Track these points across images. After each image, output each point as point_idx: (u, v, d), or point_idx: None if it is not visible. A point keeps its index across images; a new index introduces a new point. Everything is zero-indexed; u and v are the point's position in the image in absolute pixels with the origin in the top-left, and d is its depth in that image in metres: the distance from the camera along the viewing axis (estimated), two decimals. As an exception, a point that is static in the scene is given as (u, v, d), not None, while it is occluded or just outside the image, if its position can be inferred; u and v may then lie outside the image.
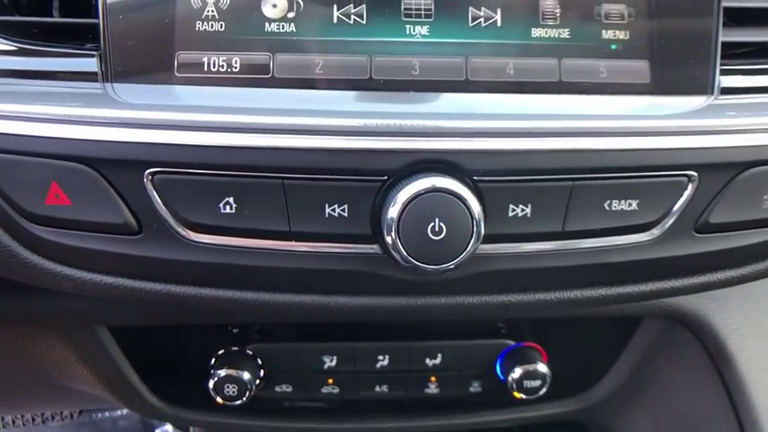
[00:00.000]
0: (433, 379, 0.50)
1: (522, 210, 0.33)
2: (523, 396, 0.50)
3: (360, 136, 0.32)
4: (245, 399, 0.48)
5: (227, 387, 0.48)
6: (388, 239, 0.32)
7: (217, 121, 0.32)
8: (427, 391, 0.51)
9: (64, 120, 0.32)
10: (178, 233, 0.33)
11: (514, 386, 0.50)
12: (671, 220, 0.35)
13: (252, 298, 0.36)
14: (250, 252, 0.34)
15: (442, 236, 0.31)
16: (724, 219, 0.36)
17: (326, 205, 0.33)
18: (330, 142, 0.32)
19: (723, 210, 0.36)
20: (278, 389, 0.50)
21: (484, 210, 0.33)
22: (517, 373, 0.50)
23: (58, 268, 0.35)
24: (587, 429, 0.58)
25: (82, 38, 0.40)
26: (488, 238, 0.33)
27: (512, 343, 0.51)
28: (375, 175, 0.33)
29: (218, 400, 0.48)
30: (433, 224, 0.31)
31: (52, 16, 0.40)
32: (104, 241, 0.34)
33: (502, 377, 0.51)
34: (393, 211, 0.32)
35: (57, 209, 0.33)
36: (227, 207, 0.33)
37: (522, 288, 0.38)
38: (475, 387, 0.51)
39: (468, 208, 0.32)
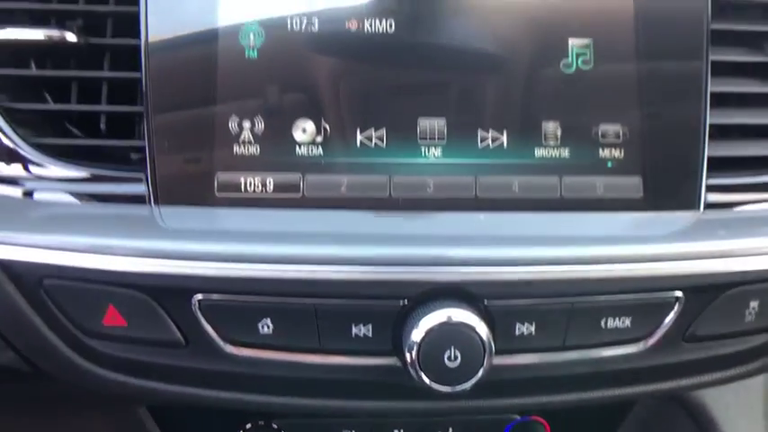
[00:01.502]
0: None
1: (528, 328, 0.37)
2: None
3: (382, 266, 0.36)
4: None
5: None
6: (408, 358, 0.36)
7: (255, 254, 0.36)
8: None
9: (120, 252, 0.36)
10: (221, 348, 0.37)
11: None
12: (660, 333, 0.39)
13: (282, 402, 0.41)
14: (283, 364, 0.38)
15: (456, 362, 0.35)
16: (709, 331, 0.40)
17: (353, 325, 0.37)
18: (356, 273, 0.36)
19: (708, 323, 0.39)
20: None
21: (493, 329, 0.37)
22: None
23: (111, 375, 0.39)
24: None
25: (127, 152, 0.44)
26: (497, 352, 0.37)
27: (518, 417, 0.54)
28: (396, 299, 0.37)
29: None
30: (449, 352, 0.35)
31: (100, 130, 0.45)
32: (154, 354, 0.38)
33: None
34: (414, 336, 0.35)
35: (113, 328, 0.37)
36: (265, 327, 0.37)
37: (527, 392, 0.42)
38: (483, 457, 0.56)
39: (481, 337, 0.35)
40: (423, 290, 0.36)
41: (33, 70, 0.43)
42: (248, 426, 0.53)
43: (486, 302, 0.37)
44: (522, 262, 0.37)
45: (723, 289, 0.39)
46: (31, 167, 0.42)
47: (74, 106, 0.42)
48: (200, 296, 0.37)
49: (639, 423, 0.54)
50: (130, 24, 0.43)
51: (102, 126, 0.45)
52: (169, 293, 0.37)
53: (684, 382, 0.43)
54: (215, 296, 0.37)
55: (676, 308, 0.39)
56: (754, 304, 0.40)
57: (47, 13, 0.43)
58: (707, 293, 0.39)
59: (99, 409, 0.52)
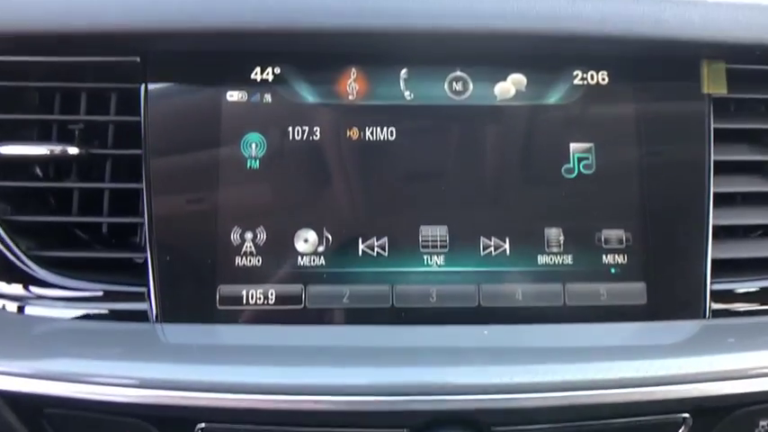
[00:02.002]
0: None
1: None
2: None
3: (383, 396, 0.36)
4: None
5: None
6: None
7: (256, 384, 0.36)
8: None
9: (122, 381, 0.35)
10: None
11: None
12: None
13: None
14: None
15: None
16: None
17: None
18: (356, 404, 0.35)
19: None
20: None
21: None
22: None
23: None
24: None
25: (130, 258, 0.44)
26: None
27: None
28: (398, 428, 0.36)
29: None
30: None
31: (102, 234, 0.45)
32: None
33: None
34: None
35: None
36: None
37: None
38: None
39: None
40: (426, 419, 0.36)
41: (35, 183, 0.43)
42: None
43: (492, 430, 0.37)
44: (529, 388, 0.36)
45: (731, 409, 0.39)
46: (32, 282, 0.42)
47: (75, 218, 0.42)
48: (202, 425, 0.36)
49: None
50: (132, 133, 0.44)
51: (105, 231, 0.45)
52: (172, 423, 0.36)
53: None
54: (217, 425, 0.36)
55: (683, 429, 0.38)
56: (764, 423, 0.39)
57: (49, 122, 0.44)
58: (714, 414, 0.39)
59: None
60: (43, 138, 0.45)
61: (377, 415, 0.36)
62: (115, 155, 0.44)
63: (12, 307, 0.42)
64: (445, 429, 0.36)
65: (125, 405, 0.36)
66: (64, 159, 0.43)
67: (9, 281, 0.41)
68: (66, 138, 0.45)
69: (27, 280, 0.42)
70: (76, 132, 0.46)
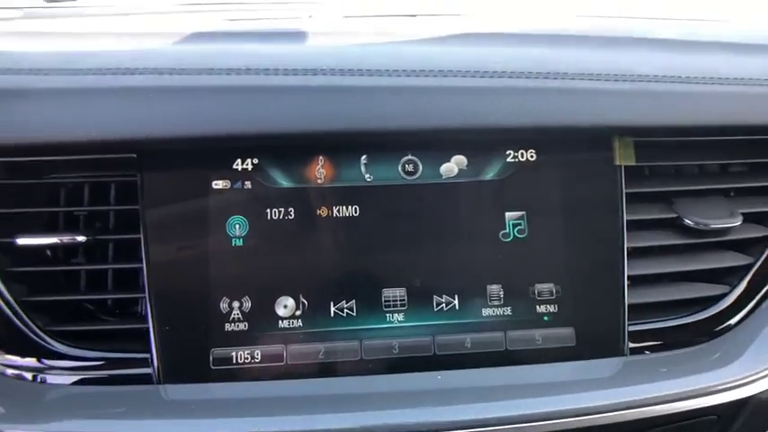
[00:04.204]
0: None
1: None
2: None
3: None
4: None
5: None
6: None
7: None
8: None
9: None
10: None
11: None
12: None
13: None
14: None
15: None
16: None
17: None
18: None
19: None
20: None
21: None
22: None
23: None
24: None
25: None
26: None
27: None
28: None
29: None
30: None
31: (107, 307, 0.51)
32: None
33: None
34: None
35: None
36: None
37: None
38: None
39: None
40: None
41: (49, 267, 0.50)
42: None
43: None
44: (475, 424, 0.43)
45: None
46: (47, 354, 0.48)
47: (84, 296, 0.49)
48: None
49: None
50: (131, 217, 0.50)
51: (109, 303, 0.52)
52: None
53: None
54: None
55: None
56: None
57: (56, 214, 0.51)
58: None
59: None
60: (51, 224, 0.52)
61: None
62: (117, 239, 0.51)
63: (29, 376, 0.48)
64: None
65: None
66: (72, 245, 0.50)
67: (26, 354, 0.48)
68: (71, 222, 0.52)
69: (43, 353, 0.48)
70: (81, 218, 0.53)
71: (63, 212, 0.50)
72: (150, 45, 0.55)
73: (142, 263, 0.48)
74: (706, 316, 0.53)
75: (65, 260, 0.52)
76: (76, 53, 0.52)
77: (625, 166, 0.53)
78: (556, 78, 0.52)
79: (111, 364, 0.48)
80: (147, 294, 0.48)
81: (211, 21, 0.71)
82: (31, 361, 0.48)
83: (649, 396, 0.45)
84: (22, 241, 0.49)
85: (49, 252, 0.51)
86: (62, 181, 0.50)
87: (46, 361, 0.48)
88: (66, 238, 0.49)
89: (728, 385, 0.47)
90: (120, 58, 0.51)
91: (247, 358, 0.48)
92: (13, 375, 0.48)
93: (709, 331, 0.52)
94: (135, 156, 0.50)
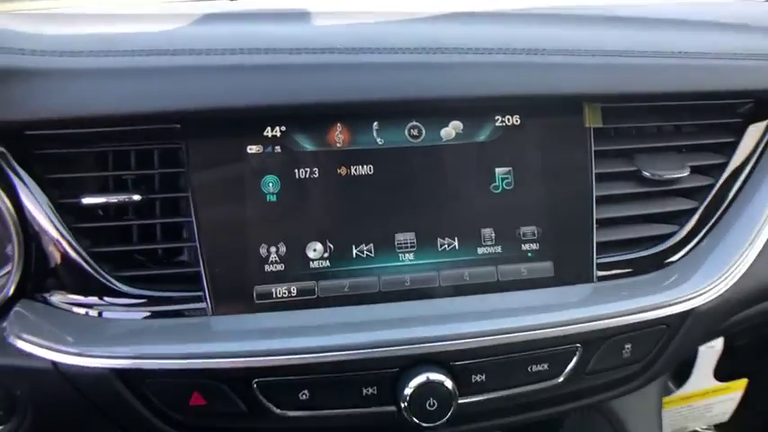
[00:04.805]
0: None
1: (480, 377, 0.55)
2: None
3: (380, 348, 0.53)
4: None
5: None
6: (402, 406, 0.53)
7: (292, 348, 0.52)
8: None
9: (202, 356, 0.51)
10: (272, 412, 0.54)
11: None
12: (568, 371, 0.57)
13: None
14: (316, 418, 0.54)
15: (434, 407, 0.53)
16: (600, 366, 0.58)
17: (362, 388, 0.54)
18: (362, 354, 0.52)
19: (599, 361, 0.58)
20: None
21: (457, 382, 0.54)
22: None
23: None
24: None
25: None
26: (460, 396, 0.54)
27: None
28: (391, 368, 0.54)
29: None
30: (429, 401, 0.53)
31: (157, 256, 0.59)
32: (225, 421, 0.55)
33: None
34: (405, 392, 0.53)
35: (197, 407, 0.53)
36: (304, 395, 0.53)
37: (484, 420, 0.60)
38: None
39: (448, 389, 0.53)
40: (408, 362, 0.54)
41: (113, 222, 0.58)
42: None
43: (451, 364, 0.54)
44: (473, 335, 0.54)
45: (606, 339, 0.58)
46: (111, 294, 0.57)
47: (146, 246, 0.57)
48: (257, 380, 0.53)
49: (571, 428, 0.72)
50: (173, 180, 0.59)
51: (159, 253, 0.60)
52: (237, 381, 0.53)
53: (588, 400, 0.62)
54: (268, 379, 0.53)
55: (577, 355, 0.57)
56: (628, 346, 0.59)
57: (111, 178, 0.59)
58: (596, 343, 0.58)
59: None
60: (107, 186, 0.60)
61: (376, 361, 0.53)
62: (167, 197, 0.58)
63: (95, 313, 0.57)
64: (421, 366, 0.53)
65: (205, 372, 0.52)
66: (127, 204, 0.58)
67: (93, 294, 0.56)
68: (122, 185, 0.60)
69: (108, 293, 0.56)
70: (129, 181, 0.60)
71: (118, 176, 0.58)
72: (184, 27, 0.63)
73: (191, 217, 0.57)
74: (659, 250, 0.64)
75: (117, 218, 0.60)
76: (123, 35, 0.60)
77: (593, 128, 0.63)
78: (536, 54, 0.62)
79: (167, 301, 0.56)
80: (198, 243, 0.56)
81: (226, 4, 0.78)
82: (97, 300, 0.56)
83: (613, 311, 0.56)
84: (86, 201, 0.57)
85: (100, 212, 0.59)
86: (117, 149, 0.58)
87: (110, 299, 0.56)
88: (123, 198, 0.57)
89: (674, 302, 0.58)
90: (160, 39, 0.59)
91: (284, 293, 0.57)
92: (81, 313, 0.57)
93: (661, 262, 0.63)
94: (179, 126, 0.58)
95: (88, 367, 0.51)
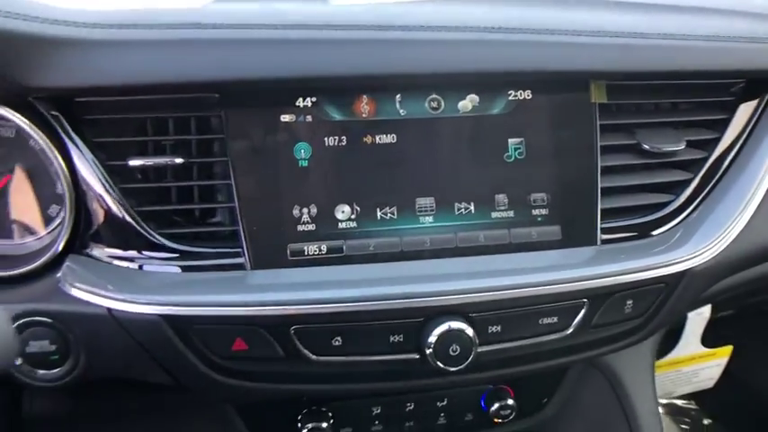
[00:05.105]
0: (442, 414, 0.77)
1: (496, 328, 0.60)
2: (499, 420, 0.78)
3: (406, 299, 0.58)
4: (324, 441, 0.74)
5: (313, 432, 0.74)
6: (427, 352, 0.58)
7: (326, 298, 0.57)
8: (438, 422, 0.78)
9: (245, 304, 0.56)
10: (307, 357, 0.59)
11: (493, 414, 0.78)
12: (575, 324, 0.63)
13: (344, 387, 0.62)
14: (347, 363, 0.60)
15: (457, 353, 0.58)
16: (605, 321, 0.64)
17: (390, 336, 0.59)
18: (390, 305, 0.58)
19: (603, 316, 0.64)
20: (343, 431, 0.76)
21: (477, 331, 0.59)
22: (494, 406, 0.78)
23: (233, 382, 0.60)
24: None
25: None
26: (480, 344, 0.59)
27: (490, 387, 0.78)
28: (417, 318, 0.59)
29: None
30: (452, 347, 0.58)
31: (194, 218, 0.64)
32: (264, 365, 0.59)
33: (485, 409, 0.78)
34: (430, 339, 0.58)
35: (239, 351, 0.57)
36: (336, 341, 0.59)
37: (499, 367, 0.65)
38: (468, 417, 0.79)
39: (470, 336, 0.58)
40: (431, 312, 0.59)
41: (158, 183, 0.62)
42: (305, 411, 0.73)
43: (470, 315, 0.60)
44: (489, 290, 0.59)
45: (610, 295, 0.63)
46: (156, 249, 0.61)
47: (196, 206, 0.62)
48: (294, 327, 0.58)
49: (572, 382, 0.79)
50: (211, 145, 0.63)
51: (196, 214, 0.64)
52: (275, 328, 0.58)
53: (593, 352, 0.68)
54: (304, 326, 0.58)
55: (584, 309, 0.63)
56: (629, 302, 0.64)
57: (155, 143, 0.63)
58: (600, 299, 0.63)
59: (200, 410, 0.71)
60: (145, 150, 0.64)
61: (402, 311, 0.58)
62: (207, 161, 0.63)
63: (137, 266, 0.61)
64: (443, 316, 0.58)
65: (247, 318, 0.57)
66: (169, 166, 0.62)
67: (139, 249, 0.61)
68: (161, 149, 0.64)
69: (154, 248, 0.61)
70: (167, 146, 0.64)
71: (160, 142, 0.62)
72: (224, 3, 0.67)
73: (230, 180, 0.61)
74: (658, 216, 0.69)
75: (158, 180, 0.64)
76: (167, 10, 0.63)
77: (598, 104, 0.68)
78: (546, 34, 0.66)
79: (207, 256, 0.61)
80: (237, 204, 0.61)
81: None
82: (142, 254, 0.61)
83: (616, 270, 0.62)
84: (132, 163, 0.61)
85: (139, 175, 0.63)
86: (160, 116, 0.62)
87: (154, 254, 0.61)
88: (166, 161, 0.61)
89: (672, 262, 0.64)
90: (202, 14, 0.62)
91: (315, 251, 0.62)
92: (126, 266, 0.61)
93: (660, 228, 0.69)
94: (217, 95, 0.62)
95: (141, 314, 0.56)
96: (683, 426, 1.26)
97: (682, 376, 1.03)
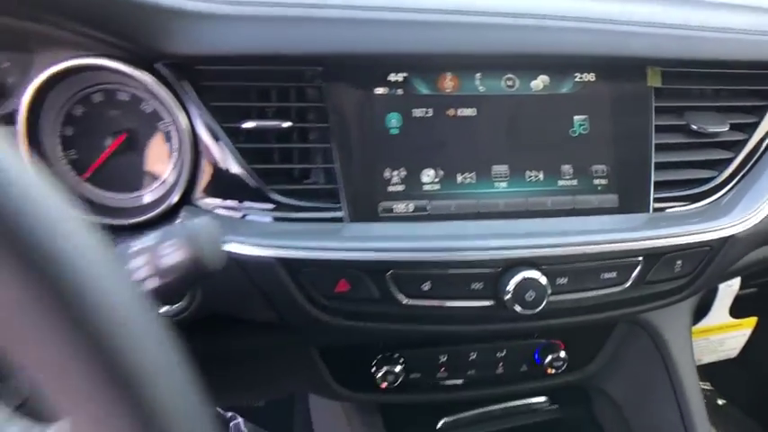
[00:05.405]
0: (500, 364, 0.85)
1: (563, 280, 0.69)
2: (552, 371, 0.87)
3: (487, 251, 0.66)
4: (395, 383, 0.82)
5: (386, 377, 0.82)
6: (505, 298, 0.66)
7: (418, 247, 0.65)
8: (497, 372, 0.86)
9: (347, 249, 0.64)
10: (400, 300, 0.67)
11: (546, 366, 0.86)
12: (632, 280, 0.71)
13: (429, 329, 0.70)
14: (434, 307, 0.68)
15: (532, 299, 0.66)
16: (657, 278, 0.73)
17: (472, 283, 0.67)
18: (474, 255, 0.66)
19: (656, 274, 0.72)
20: (412, 376, 0.84)
21: (549, 281, 0.67)
22: (547, 358, 0.87)
23: (334, 320, 0.68)
24: (587, 391, 0.93)
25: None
26: (550, 294, 0.68)
27: (543, 341, 0.86)
28: (496, 268, 0.67)
29: (381, 385, 0.82)
30: (528, 293, 0.66)
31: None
32: (361, 305, 0.67)
33: (538, 361, 0.87)
34: (508, 287, 0.66)
35: (341, 293, 0.65)
36: (426, 286, 0.67)
37: (562, 316, 0.73)
38: (523, 368, 0.87)
39: (543, 285, 0.66)
40: (508, 263, 0.67)
41: (273, 144, 0.69)
42: (380, 356, 0.82)
43: (543, 267, 0.68)
44: (559, 245, 0.68)
45: (662, 255, 0.72)
46: (271, 203, 0.69)
47: (300, 165, 0.69)
48: (390, 272, 0.66)
49: (617, 339, 0.87)
50: (310, 113, 0.71)
51: (296, 175, 0.72)
52: (374, 272, 0.66)
53: (645, 306, 0.77)
54: (399, 271, 0.66)
55: (639, 266, 0.71)
56: (679, 263, 0.73)
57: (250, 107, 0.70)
58: (654, 258, 0.71)
59: (289, 353, 0.79)
60: (254, 114, 0.71)
61: (483, 262, 0.67)
62: (310, 127, 0.70)
63: (259, 218, 0.69)
64: (519, 267, 0.67)
65: (351, 263, 0.64)
66: (276, 130, 0.70)
67: (255, 202, 0.68)
68: (265, 114, 0.71)
69: (266, 201, 0.68)
70: (274, 112, 0.72)
71: (269, 107, 0.70)
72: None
73: (330, 143, 0.69)
74: (704, 189, 0.78)
75: (266, 141, 0.71)
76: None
77: (654, 88, 0.76)
78: (607, 23, 0.74)
79: (311, 210, 0.69)
80: (336, 165, 0.68)
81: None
82: (253, 205, 0.68)
83: (668, 233, 0.70)
84: (245, 125, 0.68)
85: (250, 135, 0.70)
86: (270, 85, 0.69)
87: (264, 205, 0.68)
88: (275, 124, 0.69)
89: (717, 228, 0.72)
90: None
91: (403, 209, 0.70)
92: (239, 216, 0.69)
93: (704, 199, 0.78)
94: (321, 68, 0.69)
95: (259, 256, 0.64)
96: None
97: (709, 344, 1.12)
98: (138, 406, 0.24)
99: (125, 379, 0.24)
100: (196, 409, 0.26)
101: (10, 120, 0.70)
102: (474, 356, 0.85)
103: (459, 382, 0.88)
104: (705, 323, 1.10)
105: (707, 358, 1.16)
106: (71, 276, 0.24)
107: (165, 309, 0.69)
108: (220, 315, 0.74)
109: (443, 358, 0.85)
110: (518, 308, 0.66)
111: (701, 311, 1.12)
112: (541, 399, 0.95)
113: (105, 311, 0.24)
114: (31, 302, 0.22)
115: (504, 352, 0.86)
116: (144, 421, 0.24)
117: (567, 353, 0.87)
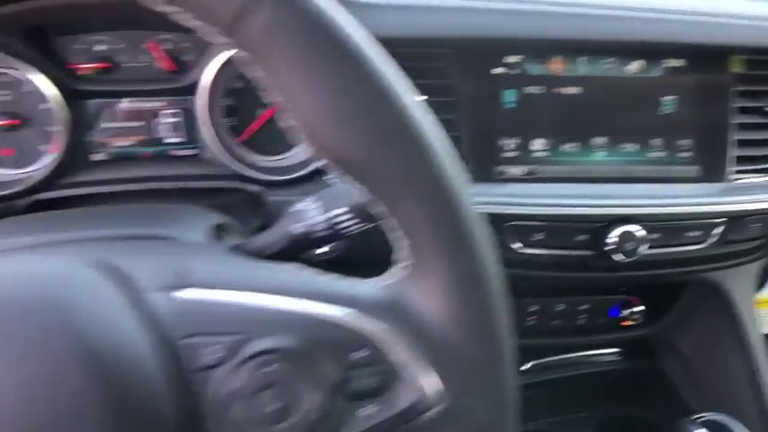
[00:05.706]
0: (583, 316, 0.97)
1: (657, 235, 0.80)
2: (629, 323, 0.98)
3: (593, 207, 0.78)
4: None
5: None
6: (607, 249, 0.78)
7: (528, 202, 0.77)
8: (578, 323, 0.97)
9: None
10: (517, 249, 0.78)
11: (623, 319, 0.97)
12: (714, 239, 0.82)
13: (535, 274, 0.82)
14: (545, 255, 0.80)
15: (631, 248, 0.78)
16: (735, 238, 0.84)
17: (580, 235, 0.79)
18: (582, 210, 0.78)
19: (735, 234, 0.83)
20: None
21: (645, 234, 0.78)
22: (625, 312, 0.98)
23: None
24: (655, 346, 1.05)
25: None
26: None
27: (623, 296, 0.98)
28: (600, 222, 0.79)
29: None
30: (628, 243, 0.77)
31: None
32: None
33: (617, 314, 0.98)
34: (609, 240, 0.78)
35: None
36: (538, 236, 0.79)
37: (652, 268, 0.84)
38: (602, 320, 0.98)
39: (640, 238, 0.78)
40: (611, 219, 0.79)
41: None
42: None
43: (641, 224, 0.79)
44: (654, 206, 0.79)
45: (741, 218, 0.83)
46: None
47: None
48: (507, 223, 0.78)
49: (689, 298, 0.98)
50: (440, 89, 0.82)
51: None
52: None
53: (726, 263, 0.88)
54: (514, 223, 0.78)
55: (721, 227, 0.83)
56: (754, 226, 0.83)
57: None
58: (734, 220, 0.83)
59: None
60: None
61: (590, 216, 0.79)
62: (439, 101, 0.82)
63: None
64: (620, 222, 0.78)
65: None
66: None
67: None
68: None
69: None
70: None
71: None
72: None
73: (456, 114, 0.81)
74: (776, 165, 0.89)
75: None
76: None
77: (736, 73, 0.86)
78: (695, 15, 0.84)
79: None
80: (461, 132, 0.80)
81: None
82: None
83: (746, 199, 0.82)
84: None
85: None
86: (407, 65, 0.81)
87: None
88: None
89: (789, 197, 0.83)
90: None
91: (516, 173, 0.82)
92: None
93: (777, 173, 0.89)
94: (449, 51, 0.81)
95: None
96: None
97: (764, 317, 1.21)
98: (467, 270, 0.36)
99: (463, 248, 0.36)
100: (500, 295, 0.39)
101: (191, 90, 0.84)
102: (561, 307, 0.98)
103: (545, 329, 1.00)
104: (764, 294, 1.19)
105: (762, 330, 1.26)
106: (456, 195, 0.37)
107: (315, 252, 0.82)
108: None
109: (534, 308, 0.97)
110: (617, 256, 0.78)
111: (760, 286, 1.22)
112: (613, 350, 1.07)
113: (466, 211, 0.38)
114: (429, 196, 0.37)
115: (588, 305, 0.98)
116: (466, 281, 0.36)
117: (643, 308, 1.00)
